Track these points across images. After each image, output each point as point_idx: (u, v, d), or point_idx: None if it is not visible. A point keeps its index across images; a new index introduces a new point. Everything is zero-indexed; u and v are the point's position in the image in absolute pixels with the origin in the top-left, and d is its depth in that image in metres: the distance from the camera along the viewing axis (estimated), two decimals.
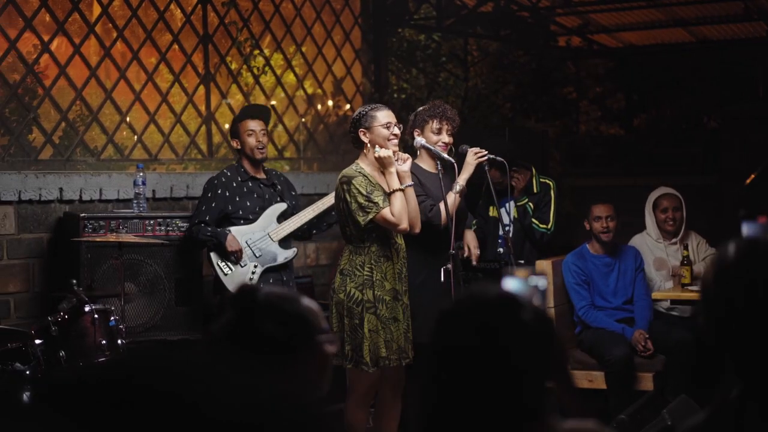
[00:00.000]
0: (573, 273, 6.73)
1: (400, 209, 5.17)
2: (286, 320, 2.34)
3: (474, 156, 5.59)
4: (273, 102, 8.16)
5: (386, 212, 5.13)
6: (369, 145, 5.30)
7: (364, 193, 5.18)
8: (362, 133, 5.32)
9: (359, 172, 5.27)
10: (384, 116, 5.33)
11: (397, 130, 5.32)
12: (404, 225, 5.20)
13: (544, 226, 6.59)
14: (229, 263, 6.20)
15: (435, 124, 5.66)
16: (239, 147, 6.35)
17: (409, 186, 5.28)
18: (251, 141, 6.30)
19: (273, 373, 1.22)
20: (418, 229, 5.35)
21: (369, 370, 5.20)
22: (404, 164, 5.28)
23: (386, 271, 5.28)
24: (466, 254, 6.05)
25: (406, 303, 5.34)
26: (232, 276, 6.20)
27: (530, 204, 6.60)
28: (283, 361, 2.30)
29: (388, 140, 5.28)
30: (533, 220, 6.57)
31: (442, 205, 5.48)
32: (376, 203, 5.15)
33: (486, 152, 5.63)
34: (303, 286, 7.31)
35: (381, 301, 5.23)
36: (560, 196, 7.00)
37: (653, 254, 6.92)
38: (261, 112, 6.63)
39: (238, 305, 2.35)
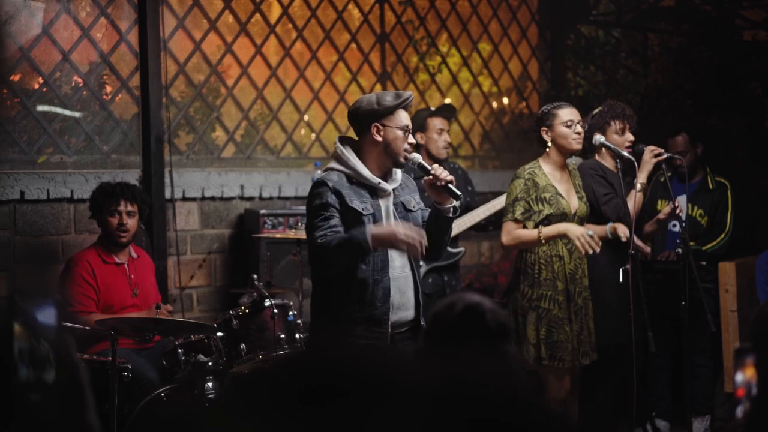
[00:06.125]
0: (765, 272, 6.47)
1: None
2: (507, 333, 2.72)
3: (651, 155, 5.47)
4: (448, 99, 8.15)
5: (510, 226, 5.18)
6: (551, 143, 5.24)
7: (514, 196, 5.17)
8: (544, 131, 5.26)
9: (529, 172, 5.22)
10: (566, 114, 5.24)
11: (579, 128, 5.23)
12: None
13: (713, 243, 6.47)
14: None
15: (618, 125, 5.58)
16: (423, 142, 6.14)
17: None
18: (442, 139, 6.18)
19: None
20: None
21: (527, 367, 5.15)
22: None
23: (558, 271, 5.19)
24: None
25: (580, 305, 5.23)
26: None
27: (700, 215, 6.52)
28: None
29: (572, 139, 5.21)
30: (701, 248, 6.40)
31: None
32: (512, 211, 5.15)
33: (663, 150, 5.51)
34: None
35: (553, 300, 5.15)
36: (736, 197, 6.77)
37: None
38: (449, 111, 6.59)
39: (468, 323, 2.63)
